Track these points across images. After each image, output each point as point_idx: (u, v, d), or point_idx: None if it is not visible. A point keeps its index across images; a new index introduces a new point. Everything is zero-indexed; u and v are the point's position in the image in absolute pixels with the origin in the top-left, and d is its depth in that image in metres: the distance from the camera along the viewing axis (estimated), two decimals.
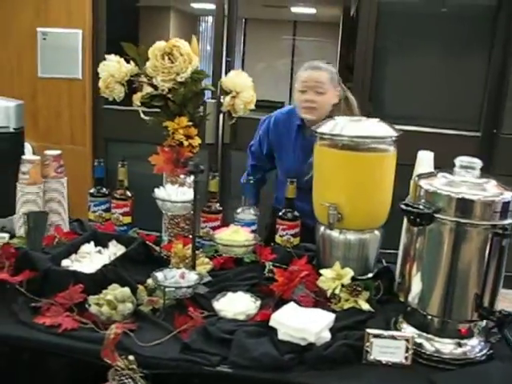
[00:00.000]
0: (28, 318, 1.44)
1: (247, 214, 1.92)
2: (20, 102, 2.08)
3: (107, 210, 2.11)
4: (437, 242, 1.32)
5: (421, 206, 1.29)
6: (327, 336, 1.34)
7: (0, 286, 1.56)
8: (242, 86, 1.88)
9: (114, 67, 1.85)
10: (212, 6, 3.82)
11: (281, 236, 1.91)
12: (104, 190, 2.12)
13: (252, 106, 1.93)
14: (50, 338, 1.38)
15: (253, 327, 1.38)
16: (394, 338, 1.31)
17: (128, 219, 2.08)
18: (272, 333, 1.35)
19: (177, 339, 1.36)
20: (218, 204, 1.97)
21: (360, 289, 1.53)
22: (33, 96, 4.25)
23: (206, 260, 1.78)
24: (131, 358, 1.26)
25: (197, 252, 1.76)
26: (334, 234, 1.72)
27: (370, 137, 1.64)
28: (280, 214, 1.92)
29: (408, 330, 1.41)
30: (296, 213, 1.91)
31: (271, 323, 1.36)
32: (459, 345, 1.35)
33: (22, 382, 1.40)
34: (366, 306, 1.50)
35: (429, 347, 1.35)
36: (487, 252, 1.27)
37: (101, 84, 1.89)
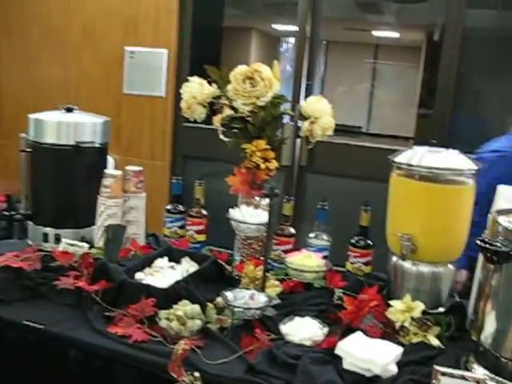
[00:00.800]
0: (102, 327, 1.51)
1: (320, 239, 1.92)
2: (107, 118, 2.18)
3: (182, 227, 2.17)
4: None
5: (498, 244, 1.25)
6: (394, 369, 1.32)
7: (77, 293, 1.64)
8: (321, 112, 1.89)
9: (196, 89, 1.91)
10: (294, 28, 3.86)
11: (352, 263, 1.90)
12: (180, 207, 2.19)
13: (330, 132, 1.94)
14: (120, 348, 1.43)
15: (318, 354, 1.37)
16: (463, 378, 1.26)
17: (202, 237, 2.13)
18: (337, 361, 1.34)
19: (242, 359, 1.38)
20: (292, 227, 1.98)
21: (430, 323, 1.49)
22: (117, 111, 4.45)
23: (276, 283, 1.78)
24: (197, 374, 1.29)
25: (267, 274, 1.78)
26: (407, 265, 1.69)
27: (449, 169, 1.60)
28: (353, 241, 1.90)
29: (479, 372, 1.36)
30: (369, 241, 1.89)
31: (337, 351, 1.35)
32: None
33: None
34: (435, 342, 1.46)
35: None
36: None
37: (183, 105, 1.96)
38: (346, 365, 1.33)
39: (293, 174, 4.00)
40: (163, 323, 1.49)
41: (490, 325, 1.33)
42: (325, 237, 1.92)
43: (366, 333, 1.48)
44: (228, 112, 1.95)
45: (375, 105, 10.85)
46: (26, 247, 1.92)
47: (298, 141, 3.91)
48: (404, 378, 1.29)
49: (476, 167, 1.60)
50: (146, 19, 4.18)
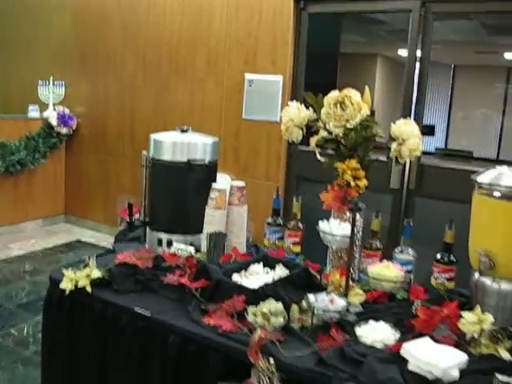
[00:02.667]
0: (198, 318, 1.74)
1: (405, 254, 2.02)
2: (216, 139, 2.45)
3: (281, 238, 2.36)
4: None
5: None
6: (455, 374, 1.39)
7: (180, 289, 1.89)
8: (408, 134, 2.00)
9: (293, 113, 2.12)
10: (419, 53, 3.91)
11: (435, 278, 1.97)
12: (279, 220, 2.38)
13: (417, 153, 2.04)
14: (212, 336, 1.65)
15: (385, 355, 1.49)
16: None
17: (297, 248, 2.31)
18: (402, 363, 1.45)
19: (316, 354, 1.53)
20: (379, 242, 2.10)
21: (501, 337, 1.53)
22: (237, 135, 4.80)
23: (361, 292, 1.91)
24: (271, 361, 1.46)
25: (353, 284, 1.92)
26: (487, 281, 1.74)
27: None
28: (437, 257, 1.97)
29: None
30: (453, 257, 1.95)
31: (402, 352, 1.46)
32: None
33: (187, 370, 1.68)
34: (505, 355, 1.50)
35: None
36: None
37: (282, 127, 2.17)
38: (411, 366, 1.43)
39: (401, 197, 4.06)
40: (250, 318, 1.69)
41: None
42: (410, 251, 2.01)
43: (438, 342, 1.55)
44: (323, 134, 2.13)
45: (506, 131, 10.40)
46: (142, 249, 2.22)
47: (408, 164, 3.98)
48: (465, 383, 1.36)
49: None
50: (263, 49, 4.49)
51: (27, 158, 5.53)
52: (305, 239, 2.33)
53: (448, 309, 1.67)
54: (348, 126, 1.98)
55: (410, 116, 3.93)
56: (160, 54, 5.19)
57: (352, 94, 1.98)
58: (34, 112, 5.81)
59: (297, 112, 2.12)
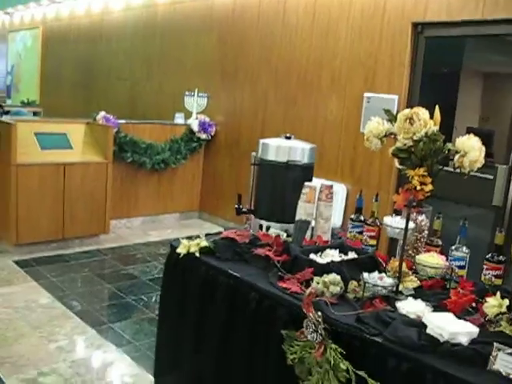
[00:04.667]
0: (274, 281, 2.21)
1: (459, 251, 2.33)
2: (314, 146, 2.91)
3: (360, 233, 2.76)
4: None
5: None
6: (462, 339, 1.72)
7: (266, 260, 2.38)
8: (469, 147, 2.31)
9: (373, 125, 2.52)
10: None
11: (484, 275, 2.25)
12: (361, 217, 2.78)
13: (478, 165, 2.33)
14: (281, 295, 2.11)
15: (410, 319, 1.85)
16: None
17: (373, 241, 2.69)
18: (422, 327, 1.80)
19: (357, 315, 1.93)
20: (439, 240, 2.42)
21: None
22: (354, 147, 5.19)
23: (415, 279, 2.26)
24: (319, 313, 1.89)
25: (409, 272, 2.28)
26: None
27: None
28: (487, 256, 2.26)
29: None
30: (502, 258, 2.22)
31: (423, 319, 1.81)
32: None
33: (262, 319, 2.16)
34: None
35: None
36: None
37: (365, 137, 2.58)
38: (428, 330, 1.77)
39: (504, 214, 4.19)
40: (314, 284, 2.12)
41: None
42: (464, 249, 2.32)
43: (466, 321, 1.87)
44: (397, 145, 2.50)
45: None
46: (243, 229, 2.75)
47: None
48: (467, 347, 1.69)
49: None
50: (382, 70, 4.86)
51: (170, 158, 6.38)
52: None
53: (470, 294, 1.98)
54: (414, 138, 2.33)
55: None
56: (290, 71, 5.75)
57: (420, 111, 2.34)
58: (179, 119, 6.69)
59: (376, 125, 2.51)
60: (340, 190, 5.18)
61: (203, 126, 6.58)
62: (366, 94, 5.00)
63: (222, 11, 6.60)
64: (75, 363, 3.19)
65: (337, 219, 5.18)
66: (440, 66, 4.97)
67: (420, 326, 1.81)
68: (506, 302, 1.87)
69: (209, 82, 6.75)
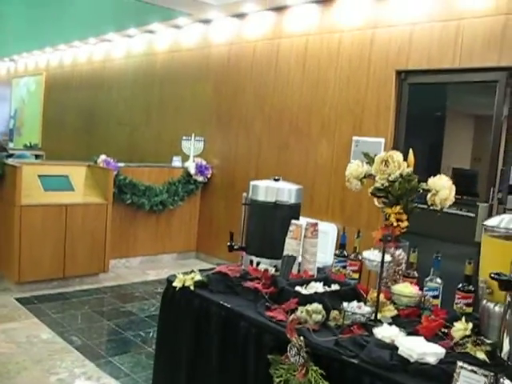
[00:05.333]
0: (262, 311, 2.40)
1: (433, 282, 2.52)
2: (300, 187, 3.14)
3: (344, 267, 2.95)
4: None
5: (505, 278, 1.79)
6: (430, 360, 1.90)
7: (255, 292, 2.57)
8: (440, 186, 2.54)
9: (353, 168, 2.76)
10: None
11: (456, 303, 2.44)
12: (344, 252, 2.99)
13: (448, 203, 2.56)
14: (268, 323, 2.30)
15: (383, 343, 2.03)
16: (475, 372, 1.79)
17: (356, 275, 2.89)
18: (395, 349, 1.98)
19: (336, 340, 2.11)
20: (416, 272, 2.62)
21: (480, 342, 2.00)
22: (344, 188, 5.40)
23: (392, 308, 2.45)
24: (302, 338, 2.07)
25: (387, 301, 2.47)
26: (490, 305, 2.20)
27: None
28: (459, 286, 2.45)
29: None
30: (471, 287, 2.42)
31: (396, 342, 2.00)
32: None
33: (250, 345, 2.33)
34: (481, 356, 1.97)
35: None
36: None
37: (346, 178, 2.81)
38: (400, 351, 1.96)
39: None
40: (298, 313, 2.31)
41: (506, 343, 1.83)
42: (438, 280, 2.51)
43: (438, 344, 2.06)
44: (376, 185, 2.73)
45: None
46: (234, 265, 2.95)
47: None
48: (433, 366, 1.87)
49: None
50: (369, 115, 5.15)
51: (168, 199, 6.61)
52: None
53: (441, 319, 2.17)
54: (390, 178, 2.57)
55: (496, 174, 4.31)
56: (282, 118, 6.05)
57: (395, 155, 2.58)
58: (176, 162, 6.95)
59: (355, 167, 2.75)
60: (331, 230, 5.39)
61: (200, 169, 6.83)
62: (355, 138, 5.27)
63: (217, 60, 6.96)
64: None
65: (328, 258, 5.35)
66: (426, 109, 5.26)
67: (392, 348, 2.00)
68: (470, 325, 2.07)
69: (205, 127, 7.05)
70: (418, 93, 5.01)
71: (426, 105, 5.27)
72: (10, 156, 7.59)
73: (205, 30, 7.21)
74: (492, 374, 1.80)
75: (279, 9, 6.11)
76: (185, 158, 7.01)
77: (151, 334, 4.37)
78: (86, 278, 5.71)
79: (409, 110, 4.98)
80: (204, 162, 6.89)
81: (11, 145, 12.90)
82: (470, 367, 1.83)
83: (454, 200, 2.60)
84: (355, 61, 5.28)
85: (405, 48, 4.86)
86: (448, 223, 4.39)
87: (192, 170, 6.80)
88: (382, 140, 5.04)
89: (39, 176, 5.56)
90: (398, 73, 4.96)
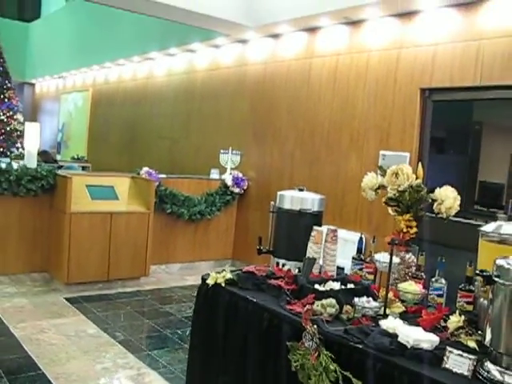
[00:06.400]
0: (283, 305, 2.73)
1: (438, 283, 2.80)
2: (323, 196, 3.45)
3: (361, 269, 3.25)
4: (499, 301, 2.05)
5: (486, 274, 2.07)
6: (424, 345, 2.19)
7: (278, 289, 2.90)
8: (444, 197, 2.83)
9: (368, 179, 3.06)
10: None
11: (458, 302, 2.71)
12: (361, 256, 3.28)
13: (453, 212, 2.84)
14: (288, 315, 2.62)
15: (386, 332, 2.33)
16: (461, 355, 2.07)
17: (371, 276, 3.18)
18: (395, 337, 2.28)
19: (346, 329, 2.42)
20: (423, 274, 2.90)
21: (472, 332, 2.28)
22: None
23: (400, 305, 2.74)
24: (315, 327, 2.39)
25: (396, 299, 2.76)
26: (485, 302, 2.46)
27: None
28: (460, 286, 2.72)
29: (489, 366, 2.10)
30: (472, 287, 2.69)
31: (396, 331, 2.29)
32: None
33: (272, 334, 2.66)
34: (472, 344, 2.24)
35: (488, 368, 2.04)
36: None
37: (362, 189, 3.12)
38: (399, 338, 2.25)
39: None
40: (314, 306, 2.63)
41: (489, 332, 2.10)
42: (442, 281, 2.79)
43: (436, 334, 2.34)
44: (388, 195, 3.03)
45: None
46: (261, 265, 3.29)
47: None
48: (426, 350, 2.16)
49: None
50: (395, 130, 5.43)
51: (206, 210, 7.00)
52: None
53: (442, 314, 2.45)
54: (399, 189, 2.87)
55: None
56: (314, 133, 6.38)
57: (404, 168, 2.88)
58: (214, 174, 7.35)
59: (370, 179, 3.07)
60: (356, 239, 5.65)
61: (236, 181, 7.21)
62: (382, 152, 5.55)
63: (253, 78, 7.35)
64: (118, 381, 3.71)
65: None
66: (461, 124, 5.51)
67: (393, 336, 2.29)
68: (463, 317, 2.35)
69: (242, 141, 7.44)
70: (449, 108, 5.26)
71: (462, 120, 5.52)
72: (60, 167, 8.13)
73: (242, 49, 7.63)
74: (475, 357, 2.08)
75: (311, 29, 6.47)
76: (222, 170, 7.40)
77: (188, 333, 4.72)
78: (128, 281, 6.13)
79: (438, 125, 5.23)
80: (240, 175, 7.27)
81: (59, 157, 13.60)
82: (457, 351, 2.12)
83: (458, 209, 2.88)
84: (382, 79, 5.57)
85: (428, 67, 5.14)
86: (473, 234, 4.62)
87: (229, 182, 7.17)
88: (408, 154, 5.30)
89: (87, 186, 6.03)
90: (423, 90, 5.23)
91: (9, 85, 13.92)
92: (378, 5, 5.31)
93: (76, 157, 12.18)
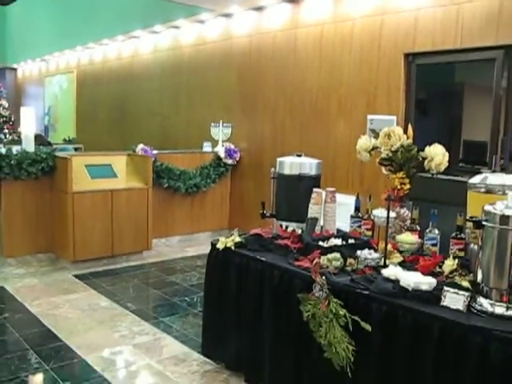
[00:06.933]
0: (291, 261, 2.96)
1: (432, 233, 3.05)
2: (319, 160, 3.67)
3: (359, 227, 3.49)
4: (488, 243, 2.29)
5: (476, 219, 2.31)
6: (423, 287, 2.43)
7: (285, 248, 3.13)
8: (434, 154, 3.06)
9: (362, 142, 3.28)
10: None
11: (451, 249, 2.96)
12: (359, 214, 3.52)
13: (442, 167, 3.07)
14: (297, 269, 2.86)
15: (389, 278, 2.57)
16: (457, 293, 2.33)
17: (369, 232, 3.42)
18: (397, 282, 2.52)
19: (352, 279, 2.66)
20: (418, 226, 3.15)
21: (465, 273, 2.53)
22: (361, 163, 5.92)
23: (399, 255, 2.98)
24: (324, 278, 2.63)
25: (394, 251, 3.00)
26: (475, 247, 2.71)
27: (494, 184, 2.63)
28: (453, 235, 2.97)
29: (481, 300, 2.35)
30: (463, 235, 2.93)
31: (397, 276, 2.54)
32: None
33: (290, 288, 2.90)
34: (465, 284, 2.49)
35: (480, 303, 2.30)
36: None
37: (357, 151, 3.34)
38: (401, 283, 2.50)
39: None
40: (321, 261, 2.86)
41: (480, 271, 2.35)
42: (436, 231, 3.03)
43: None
44: (382, 155, 3.25)
45: None
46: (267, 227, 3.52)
47: None
48: (426, 291, 2.41)
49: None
50: (381, 95, 5.63)
51: (201, 182, 7.20)
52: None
53: (438, 259, 2.70)
54: (392, 149, 3.09)
55: (498, 144, 4.77)
56: (303, 100, 6.56)
57: (396, 129, 3.10)
58: (207, 147, 7.53)
59: (364, 141, 3.28)
60: (351, 202, 5.89)
61: (229, 153, 7.39)
62: (369, 117, 5.76)
63: (240, 50, 7.48)
64: (137, 346, 3.95)
65: (348, 226, 5.89)
66: (444, 86, 5.71)
67: (395, 281, 2.54)
68: (456, 261, 2.60)
69: (232, 114, 7.60)
70: (432, 71, 5.46)
71: (445, 82, 5.72)
72: (55, 150, 8.23)
73: (227, 23, 7.73)
74: (468, 293, 2.34)
75: (295, 1, 6.59)
76: (214, 143, 7.57)
77: (195, 299, 4.97)
78: (131, 256, 6.34)
79: (422, 87, 5.44)
80: (232, 146, 7.45)
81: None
82: (452, 290, 2.37)
83: (447, 164, 3.11)
84: (367, 45, 5.74)
85: (411, 32, 5.32)
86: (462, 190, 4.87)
87: (222, 154, 7.36)
88: (394, 117, 5.51)
89: (86, 166, 6.19)
90: (406, 55, 5.42)
91: None
92: None
93: (68, 138, 12.26)
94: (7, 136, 13.17)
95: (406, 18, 5.37)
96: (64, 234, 5.90)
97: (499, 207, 2.31)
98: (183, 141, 8.55)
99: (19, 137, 13.11)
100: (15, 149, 6.10)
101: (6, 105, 13.99)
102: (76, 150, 9.72)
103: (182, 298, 5.06)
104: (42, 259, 6.17)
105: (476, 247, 2.68)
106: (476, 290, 2.42)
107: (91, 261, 6.00)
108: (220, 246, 3.34)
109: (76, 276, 5.67)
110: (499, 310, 2.25)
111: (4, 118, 13.71)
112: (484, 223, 2.30)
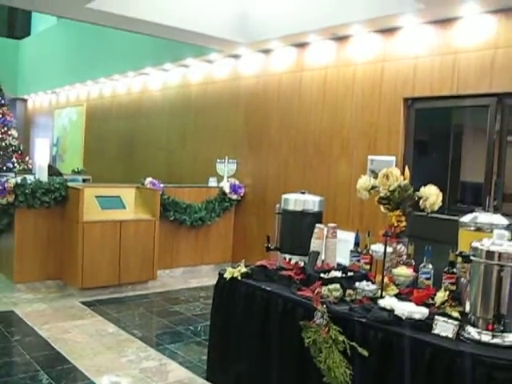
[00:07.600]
0: (294, 291, 3.18)
1: (426, 268, 3.27)
2: (322, 198, 3.92)
3: (358, 261, 3.71)
4: (475, 276, 2.52)
5: (465, 254, 2.54)
6: (416, 316, 2.65)
7: (288, 279, 3.35)
8: (428, 194, 3.30)
9: (362, 181, 3.53)
10: None
11: (444, 283, 3.18)
12: (359, 249, 3.75)
13: (436, 207, 3.31)
14: (299, 299, 3.07)
15: (385, 308, 2.79)
16: (446, 322, 2.54)
17: (367, 266, 3.64)
18: (392, 311, 2.73)
19: (350, 308, 2.87)
20: (413, 261, 3.37)
21: (455, 305, 2.75)
22: (361, 202, 6.17)
23: (395, 288, 3.20)
24: (324, 306, 2.84)
25: (390, 283, 3.22)
26: (465, 281, 2.93)
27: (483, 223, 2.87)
28: (445, 269, 3.19)
29: (470, 329, 2.56)
30: (454, 270, 3.15)
31: (392, 306, 2.75)
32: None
33: (287, 317, 3.10)
34: (455, 314, 2.71)
35: (468, 331, 2.51)
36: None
37: (357, 190, 3.59)
38: (396, 312, 2.71)
39: None
40: (322, 291, 3.08)
41: (468, 302, 2.57)
42: (429, 266, 3.25)
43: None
44: (380, 195, 3.50)
45: None
46: (272, 259, 3.74)
47: None
48: (417, 320, 2.62)
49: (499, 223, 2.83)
50: (381, 137, 5.92)
51: (206, 216, 7.44)
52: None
53: (431, 292, 2.92)
54: (390, 189, 3.34)
55: (491, 186, 5.02)
56: (306, 141, 6.85)
57: (393, 170, 3.36)
58: (212, 182, 7.80)
59: (364, 181, 3.53)
60: (351, 238, 6.12)
61: (234, 188, 7.65)
62: (370, 157, 6.03)
63: (247, 90, 7.82)
64: (143, 370, 4.12)
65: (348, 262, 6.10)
66: (444, 129, 6.00)
67: (390, 310, 2.76)
68: (447, 293, 2.82)
69: (237, 151, 7.90)
70: (430, 114, 5.76)
71: (442, 125, 6.02)
72: (66, 181, 8.50)
73: (235, 63, 8.10)
74: (457, 322, 2.56)
75: (301, 45, 6.96)
76: (220, 178, 7.84)
77: (199, 328, 5.15)
78: (137, 285, 6.53)
79: (421, 129, 5.73)
80: (237, 182, 7.72)
81: None
82: (443, 319, 2.59)
83: (441, 204, 3.36)
84: (368, 90, 6.07)
85: (410, 78, 5.64)
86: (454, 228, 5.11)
87: (227, 189, 7.62)
88: (394, 158, 5.78)
89: (96, 197, 6.44)
90: (406, 100, 5.73)
91: (2, 101, 14.31)
92: (363, 22, 5.80)
93: (77, 170, 12.56)
94: (15, 165, 13.47)
95: (405, 65, 5.70)
96: (73, 261, 6.11)
97: (486, 243, 2.54)
98: (189, 176, 8.83)
99: (27, 166, 13.49)
100: (28, 178, 6.36)
101: (16, 134, 14.31)
102: (84, 181, 9.99)
103: (186, 326, 5.23)
104: (50, 285, 6.37)
105: (465, 280, 2.91)
106: (465, 319, 2.63)
107: (98, 288, 6.19)
108: (227, 275, 3.56)
109: (83, 303, 5.86)
110: (485, 337, 2.46)
111: (13, 147, 14.02)
112: (472, 258, 2.53)
